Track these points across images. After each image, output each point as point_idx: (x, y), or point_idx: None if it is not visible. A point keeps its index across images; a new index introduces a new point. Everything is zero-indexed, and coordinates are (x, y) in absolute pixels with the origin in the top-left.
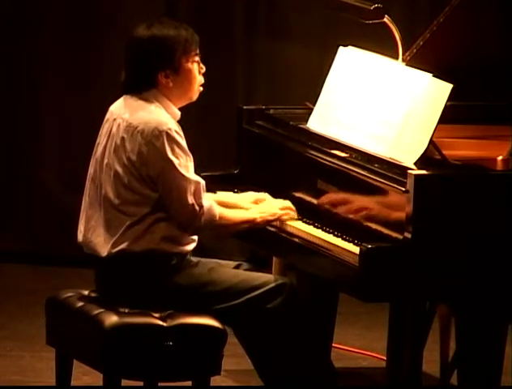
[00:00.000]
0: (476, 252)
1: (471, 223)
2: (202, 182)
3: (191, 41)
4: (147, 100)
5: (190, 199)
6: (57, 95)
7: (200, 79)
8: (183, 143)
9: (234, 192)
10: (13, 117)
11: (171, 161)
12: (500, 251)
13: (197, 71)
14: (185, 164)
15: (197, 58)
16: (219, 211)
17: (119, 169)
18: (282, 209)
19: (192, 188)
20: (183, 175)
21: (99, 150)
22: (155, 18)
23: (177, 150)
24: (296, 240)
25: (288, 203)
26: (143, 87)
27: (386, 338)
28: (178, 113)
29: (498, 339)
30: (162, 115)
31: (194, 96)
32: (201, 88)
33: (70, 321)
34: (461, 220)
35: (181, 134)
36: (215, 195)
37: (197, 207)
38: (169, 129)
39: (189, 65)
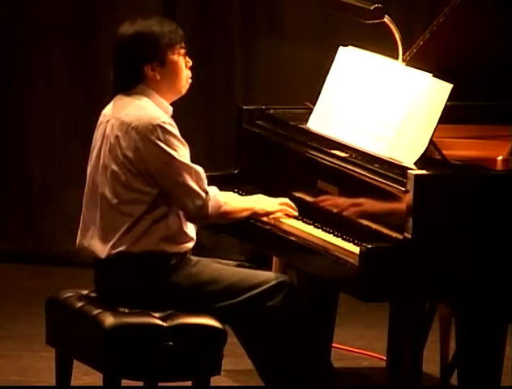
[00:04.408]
0: (476, 252)
1: (471, 223)
2: (202, 170)
3: (175, 34)
4: (136, 96)
5: (195, 187)
6: (58, 95)
7: (187, 73)
8: (177, 133)
9: (234, 192)
10: (13, 116)
11: (169, 154)
12: (500, 251)
13: (183, 64)
14: (183, 155)
15: (182, 51)
16: (223, 198)
17: (115, 168)
18: (281, 205)
19: (194, 176)
20: (184, 164)
21: (94, 153)
22: (139, 15)
23: (173, 141)
24: (296, 240)
25: (287, 200)
26: (131, 82)
27: (386, 338)
28: (170, 108)
29: (498, 339)
30: (153, 109)
31: (183, 90)
32: (189, 81)
33: (69, 321)
34: (461, 220)
35: (174, 125)
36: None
37: (203, 194)
38: (163, 122)
39: (175, 57)
